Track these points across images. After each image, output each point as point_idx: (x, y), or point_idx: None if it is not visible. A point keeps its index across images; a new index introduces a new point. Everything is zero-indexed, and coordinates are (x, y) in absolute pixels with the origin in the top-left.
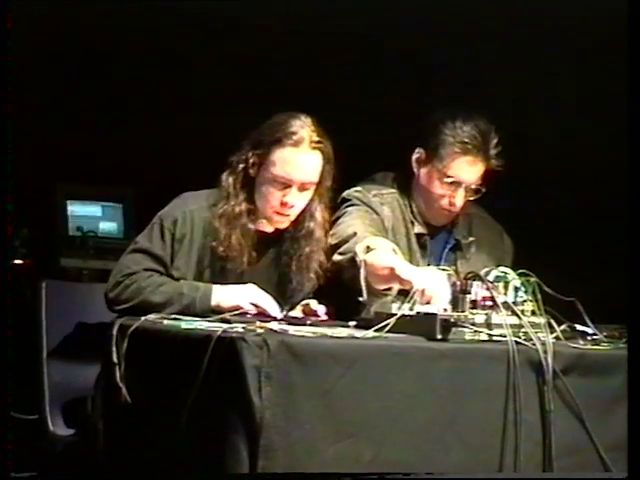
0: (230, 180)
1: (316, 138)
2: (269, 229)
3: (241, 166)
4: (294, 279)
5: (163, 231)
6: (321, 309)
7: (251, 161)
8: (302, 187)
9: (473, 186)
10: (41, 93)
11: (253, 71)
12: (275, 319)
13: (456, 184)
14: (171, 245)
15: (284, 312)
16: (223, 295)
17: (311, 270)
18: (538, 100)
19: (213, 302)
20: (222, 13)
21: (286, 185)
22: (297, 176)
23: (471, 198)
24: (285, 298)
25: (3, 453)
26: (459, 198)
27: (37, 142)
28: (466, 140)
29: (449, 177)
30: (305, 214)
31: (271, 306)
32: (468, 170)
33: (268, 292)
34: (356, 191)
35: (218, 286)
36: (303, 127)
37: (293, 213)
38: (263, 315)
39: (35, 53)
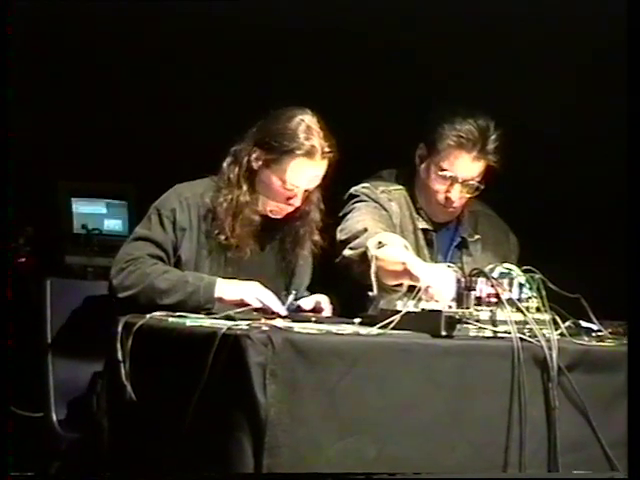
0: (235, 170)
1: (327, 149)
2: (264, 215)
3: (246, 159)
4: (291, 259)
5: (162, 219)
6: (327, 309)
7: (257, 157)
8: (307, 190)
9: (471, 182)
10: (45, 91)
11: (256, 68)
12: (279, 315)
13: (452, 179)
14: (173, 232)
15: (291, 297)
16: (227, 288)
17: (305, 248)
18: (540, 97)
19: (216, 293)
20: (222, 11)
21: (294, 189)
22: (306, 184)
23: (468, 195)
24: (284, 280)
25: (8, 451)
26: (455, 193)
27: (42, 140)
28: (462, 134)
29: (444, 171)
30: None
31: (274, 303)
32: (463, 165)
33: (266, 274)
34: (364, 187)
35: (222, 279)
36: (313, 134)
37: (293, 208)
38: (266, 311)
39: (37, 49)
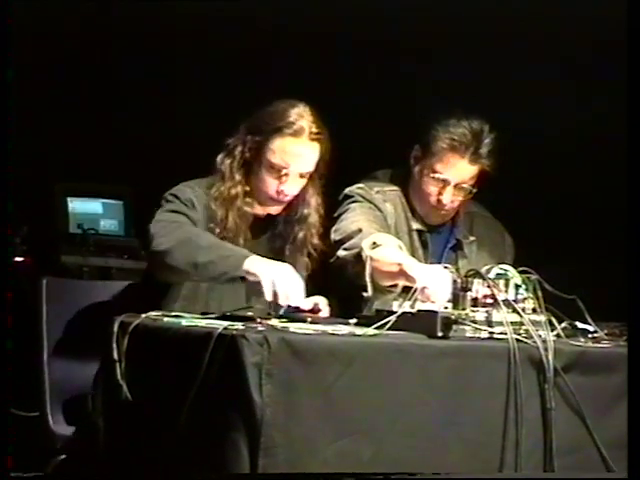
0: (227, 162)
1: (315, 130)
2: (261, 213)
3: (238, 149)
4: (287, 262)
5: (184, 202)
6: (325, 310)
7: (248, 145)
8: (299, 176)
9: (465, 185)
10: (42, 91)
11: (254, 69)
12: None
13: (444, 181)
14: (197, 217)
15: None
16: (257, 263)
17: (304, 254)
18: (538, 97)
19: (245, 265)
20: (221, 12)
21: (283, 174)
22: (295, 166)
23: (460, 198)
24: None
25: (3, 450)
26: (447, 196)
27: (38, 139)
28: (455, 137)
29: (437, 173)
30: (298, 199)
31: (290, 294)
32: (456, 167)
33: None
34: (359, 188)
35: (257, 256)
36: (303, 117)
37: (287, 200)
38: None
39: (35, 51)
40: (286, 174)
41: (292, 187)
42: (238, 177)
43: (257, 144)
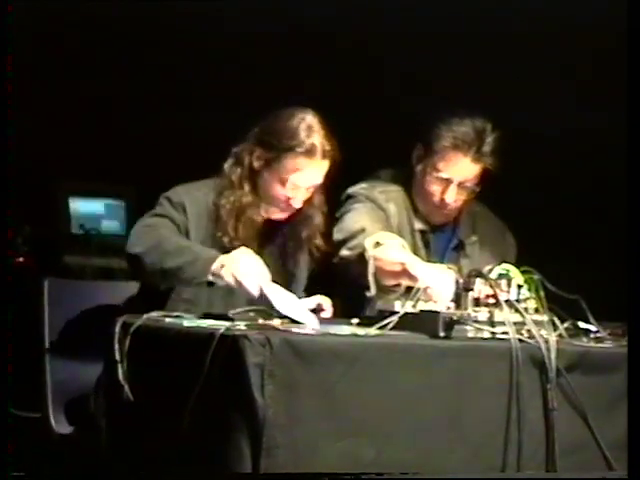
0: (236, 171)
1: (328, 147)
2: (268, 217)
3: (247, 159)
4: (290, 262)
5: (174, 205)
6: (329, 310)
7: (257, 155)
8: (308, 189)
9: (468, 184)
10: (44, 90)
11: (255, 69)
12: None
13: (447, 180)
14: (185, 218)
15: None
16: (221, 260)
17: (305, 251)
18: (539, 97)
19: (213, 267)
20: (223, 12)
21: (295, 189)
22: (307, 183)
23: (463, 197)
24: (283, 282)
25: (5, 451)
26: (450, 195)
27: (40, 139)
28: (458, 136)
29: (439, 172)
30: (303, 201)
31: (259, 272)
32: (459, 166)
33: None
34: (362, 188)
35: (225, 256)
36: (314, 132)
37: (295, 209)
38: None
39: (36, 50)
40: (297, 187)
41: (301, 198)
42: (247, 187)
43: (267, 158)
